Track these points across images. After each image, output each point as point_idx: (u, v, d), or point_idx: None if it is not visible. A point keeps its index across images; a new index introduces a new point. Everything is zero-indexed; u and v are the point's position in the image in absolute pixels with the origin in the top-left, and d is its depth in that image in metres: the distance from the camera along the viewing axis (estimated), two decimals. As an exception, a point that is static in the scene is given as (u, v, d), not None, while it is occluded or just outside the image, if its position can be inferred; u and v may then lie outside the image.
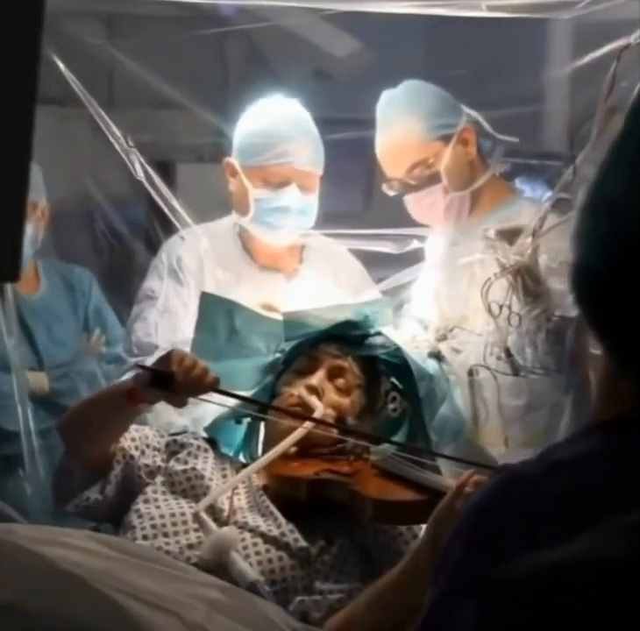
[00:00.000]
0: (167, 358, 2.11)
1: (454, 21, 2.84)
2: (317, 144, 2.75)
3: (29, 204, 3.24)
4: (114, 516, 2.20)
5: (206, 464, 2.19)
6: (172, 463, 2.19)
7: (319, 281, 2.80)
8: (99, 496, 2.17)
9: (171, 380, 2.04)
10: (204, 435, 2.34)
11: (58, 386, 3.34)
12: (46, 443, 3.11)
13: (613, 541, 0.77)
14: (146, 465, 2.19)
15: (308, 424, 2.14)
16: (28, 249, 3.33)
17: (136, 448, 2.21)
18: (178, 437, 2.27)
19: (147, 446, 2.23)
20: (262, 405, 2.25)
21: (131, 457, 2.19)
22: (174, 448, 2.24)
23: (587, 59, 2.73)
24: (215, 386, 2.10)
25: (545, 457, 0.87)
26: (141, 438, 2.23)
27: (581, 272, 0.86)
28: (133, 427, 2.25)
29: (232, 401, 2.24)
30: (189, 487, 2.15)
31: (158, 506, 2.10)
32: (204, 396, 2.15)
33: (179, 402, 2.13)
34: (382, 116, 2.75)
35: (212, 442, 2.29)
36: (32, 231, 3.30)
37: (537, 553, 0.79)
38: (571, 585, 0.77)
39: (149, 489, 2.15)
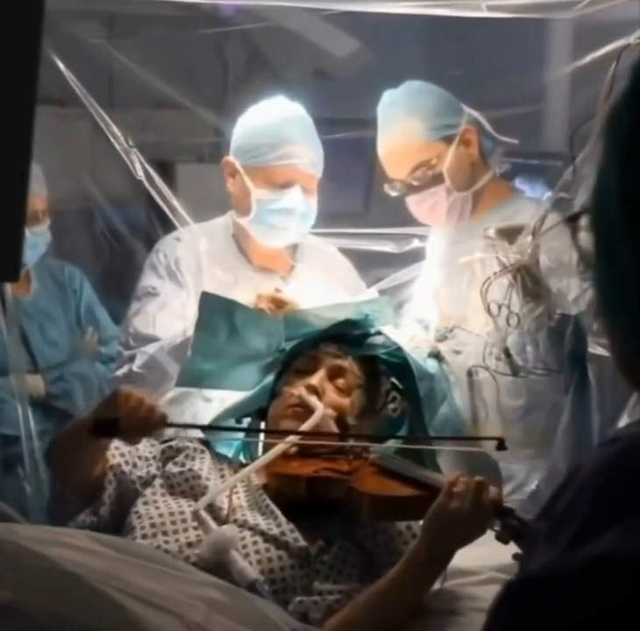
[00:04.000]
0: (112, 400, 2.11)
1: (454, 21, 2.84)
2: (319, 147, 2.75)
3: (39, 209, 3.26)
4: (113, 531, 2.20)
5: (203, 465, 2.19)
6: (169, 466, 2.19)
7: (315, 281, 2.80)
8: (94, 518, 2.14)
9: (116, 426, 2.03)
10: (198, 436, 2.35)
11: (53, 390, 3.34)
12: (44, 445, 3.12)
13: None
14: (140, 477, 2.18)
15: (306, 425, 2.14)
16: (40, 250, 3.35)
17: (126, 463, 2.20)
18: (173, 443, 2.27)
19: (139, 458, 2.22)
20: (215, 429, 2.25)
21: (123, 472, 2.18)
22: (170, 453, 2.23)
23: (587, 59, 2.73)
24: (163, 424, 2.12)
25: None
26: (131, 452, 2.22)
27: None
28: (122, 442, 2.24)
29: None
30: (188, 488, 2.15)
31: (157, 507, 2.10)
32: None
33: (131, 441, 2.15)
34: (384, 116, 2.74)
35: (207, 443, 2.29)
36: (43, 234, 3.32)
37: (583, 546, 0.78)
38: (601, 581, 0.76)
39: (148, 491, 2.15)
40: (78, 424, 2.18)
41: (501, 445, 2.08)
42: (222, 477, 2.19)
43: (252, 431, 2.29)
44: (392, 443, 2.26)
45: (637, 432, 0.88)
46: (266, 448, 2.23)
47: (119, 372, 2.72)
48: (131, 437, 2.12)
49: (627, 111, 0.83)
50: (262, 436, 2.32)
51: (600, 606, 0.75)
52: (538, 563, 0.84)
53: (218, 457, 2.26)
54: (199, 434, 2.31)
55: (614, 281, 0.85)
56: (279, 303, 2.52)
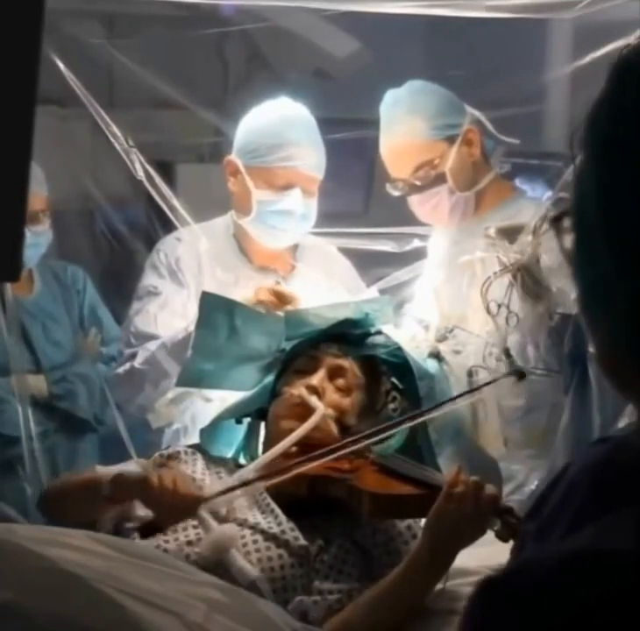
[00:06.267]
0: (141, 489, 2.04)
1: (454, 21, 2.84)
2: (321, 149, 2.76)
3: (39, 208, 3.27)
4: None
5: (196, 467, 2.19)
6: None
7: (315, 280, 2.80)
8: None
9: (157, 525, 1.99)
10: (191, 442, 2.34)
11: (56, 390, 3.34)
12: (45, 446, 3.12)
13: (619, 533, 0.76)
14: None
15: (307, 425, 2.14)
16: (40, 250, 3.35)
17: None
18: (163, 452, 2.27)
19: None
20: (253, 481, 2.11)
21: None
22: (160, 461, 2.22)
23: (587, 59, 2.74)
24: (200, 502, 2.03)
25: None
26: None
27: None
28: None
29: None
30: None
31: None
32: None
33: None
34: (387, 116, 2.74)
35: (199, 447, 2.29)
36: (44, 234, 3.32)
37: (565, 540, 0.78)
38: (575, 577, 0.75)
39: None
40: (95, 485, 2.11)
41: (522, 376, 2.11)
42: (220, 479, 2.18)
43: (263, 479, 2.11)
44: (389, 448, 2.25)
45: (627, 432, 0.88)
46: (267, 448, 2.23)
47: (120, 370, 2.73)
48: (172, 525, 2.05)
49: (605, 112, 0.83)
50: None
51: (584, 599, 0.74)
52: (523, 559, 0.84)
53: (214, 461, 2.26)
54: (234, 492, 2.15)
55: (596, 283, 0.84)
56: (279, 296, 2.53)
